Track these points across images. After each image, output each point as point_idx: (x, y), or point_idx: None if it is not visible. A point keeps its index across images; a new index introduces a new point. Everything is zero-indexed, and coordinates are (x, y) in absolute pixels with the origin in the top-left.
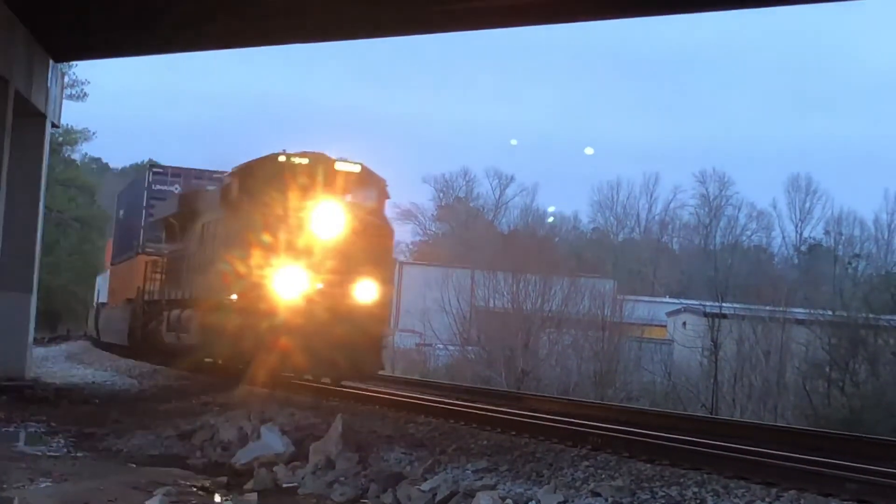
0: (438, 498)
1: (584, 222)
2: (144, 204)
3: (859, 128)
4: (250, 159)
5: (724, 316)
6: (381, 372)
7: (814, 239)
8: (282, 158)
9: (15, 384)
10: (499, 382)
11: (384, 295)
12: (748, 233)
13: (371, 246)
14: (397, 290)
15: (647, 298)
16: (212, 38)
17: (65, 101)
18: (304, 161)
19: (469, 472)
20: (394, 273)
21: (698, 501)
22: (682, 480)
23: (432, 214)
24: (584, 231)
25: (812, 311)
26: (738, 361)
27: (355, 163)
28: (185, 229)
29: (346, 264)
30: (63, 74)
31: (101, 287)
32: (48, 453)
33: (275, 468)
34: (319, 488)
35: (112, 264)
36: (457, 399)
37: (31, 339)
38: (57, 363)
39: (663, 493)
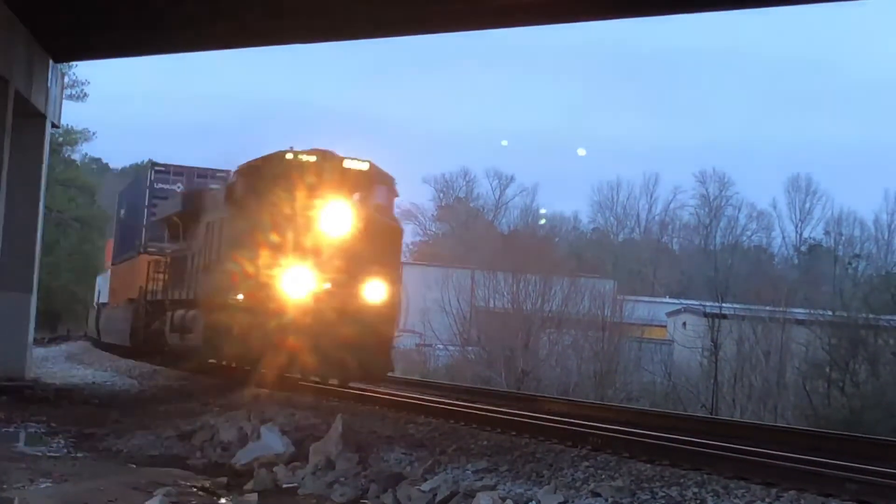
0: (438, 498)
1: (584, 222)
2: (146, 203)
3: (859, 128)
4: (256, 157)
5: (724, 316)
6: (389, 374)
7: (814, 239)
8: (289, 156)
9: (15, 384)
10: (499, 383)
11: (393, 295)
12: (748, 233)
13: (380, 245)
14: None
15: (647, 299)
16: (213, 38)
17: (65, 102)
18: (312, 159)
19: (469, 472)
20: (402, 272)
21: (698, 502)
22: (682, 481)
23: (432, 215)
24: (584, 231)
25: (812, 312)
26: (738, 362)
27: (364, 160)
28: (188, 228)
29: (355, 264)
30: (63, 75)
31: (102, 287)
32: (48, 454)
33: (275, 468)
34: (319, 489)
35: (113, 264)
36: (457, 399)
37: (31, 339)
38: (57, 363)
39: (663, 494)
